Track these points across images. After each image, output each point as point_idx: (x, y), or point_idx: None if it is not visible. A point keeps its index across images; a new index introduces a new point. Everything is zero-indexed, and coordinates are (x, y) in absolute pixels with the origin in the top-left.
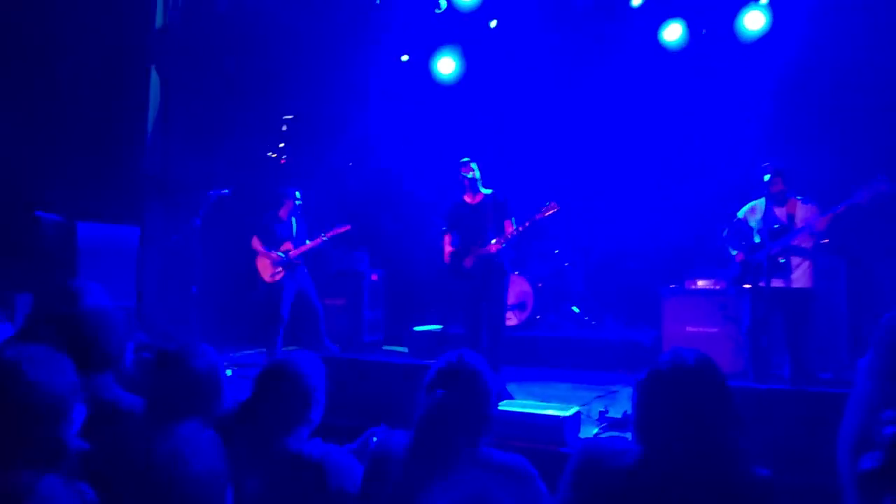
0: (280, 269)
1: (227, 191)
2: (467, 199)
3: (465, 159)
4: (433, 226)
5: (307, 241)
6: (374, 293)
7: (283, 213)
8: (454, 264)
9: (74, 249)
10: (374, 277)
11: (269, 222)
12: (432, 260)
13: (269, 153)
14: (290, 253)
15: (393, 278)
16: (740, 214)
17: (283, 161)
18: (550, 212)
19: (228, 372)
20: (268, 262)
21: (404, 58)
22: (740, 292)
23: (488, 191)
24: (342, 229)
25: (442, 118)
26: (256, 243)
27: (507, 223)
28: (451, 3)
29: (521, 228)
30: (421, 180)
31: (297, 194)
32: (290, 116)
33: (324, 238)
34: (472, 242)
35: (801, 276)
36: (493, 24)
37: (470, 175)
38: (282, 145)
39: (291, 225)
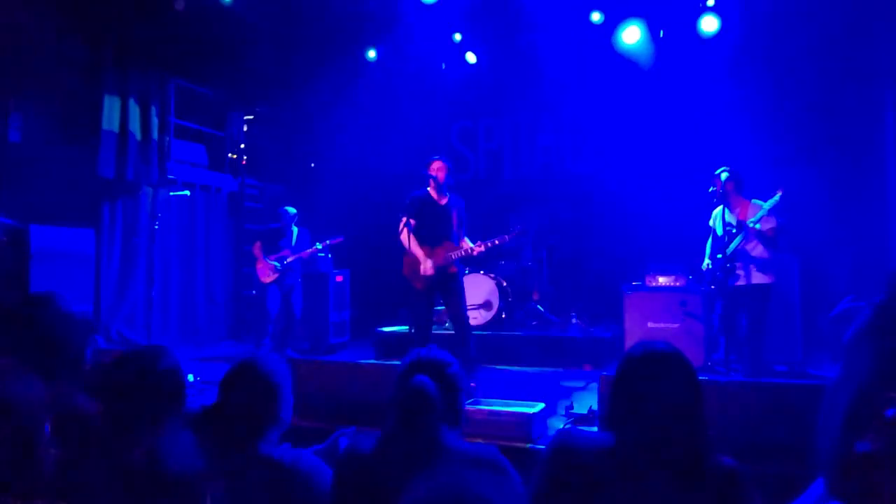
0: (274, 273)
1: (187, 192)
2: (434, 196)
3: (437, 158)
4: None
5: (305, 249)
6: (339, 295)
7: (282, 224)
8: (411, 271)
9: (27, 253)
10: (339, 279)
11: (269, 232)
12: (398, 260)
13: (230, 154)
14: (287, 259)
15: (358, 279)
16: (710, 222)
17: (244, 161)
18: (516, 235)
19: (190, 377)
20: (263, 266)
21: (371, 54)
22: (708, 294)
23: (453, 194)
24: (336, 241)
25: (407, 118)
26: (256, 249)
27: (463, 240)
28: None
29: (484, 248)
30: (385, 180)
31: (292, 210)
32: (250, 117)
33: (318, 247)
34: (438, 240)
35: (759, 272)
36: (458, 37)
37: (440, 174)
38: (242, 146)
39: (291, 235)
